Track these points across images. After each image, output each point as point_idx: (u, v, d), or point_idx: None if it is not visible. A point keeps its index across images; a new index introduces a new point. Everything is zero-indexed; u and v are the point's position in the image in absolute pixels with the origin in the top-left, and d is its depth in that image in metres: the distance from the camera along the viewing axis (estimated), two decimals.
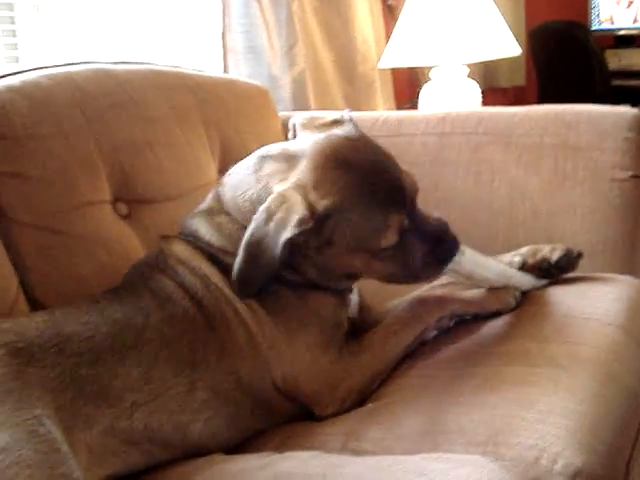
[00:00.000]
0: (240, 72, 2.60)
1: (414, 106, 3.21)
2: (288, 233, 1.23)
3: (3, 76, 1.53)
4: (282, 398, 1.31)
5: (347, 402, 1.31)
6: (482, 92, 3.10)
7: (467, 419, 1.16)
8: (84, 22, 2.33)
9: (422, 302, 1.45)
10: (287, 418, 1.33)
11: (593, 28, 5.22)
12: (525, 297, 1.49)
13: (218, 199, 1.40)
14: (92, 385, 1.16)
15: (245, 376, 1.28)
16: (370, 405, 1.29)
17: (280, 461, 1.12)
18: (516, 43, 2.96)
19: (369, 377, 1.34)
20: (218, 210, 1.39)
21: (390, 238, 1.28)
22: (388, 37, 3.09)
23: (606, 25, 5.30)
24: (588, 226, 1.75)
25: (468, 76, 3.03)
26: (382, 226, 1.28)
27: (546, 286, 1.54)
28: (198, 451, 1.24)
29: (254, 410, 1.30)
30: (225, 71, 2.63)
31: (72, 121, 1.55)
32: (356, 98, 3.00)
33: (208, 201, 1.44)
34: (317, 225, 1.25)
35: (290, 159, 1.33)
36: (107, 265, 1.51)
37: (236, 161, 1.88)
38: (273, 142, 2.05)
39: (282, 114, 2.21)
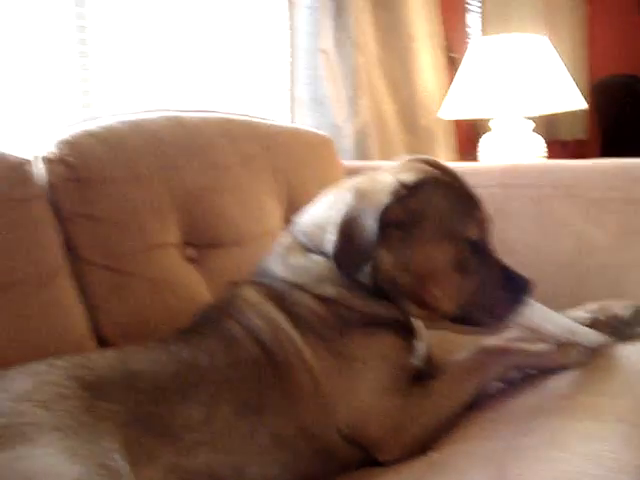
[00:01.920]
0: (305, 122, 2.64)
1: (476, 158, 3.22)
2: (385, 201, 1.27)
3: (82, 122, 1.59)
4: (344, 443, 1.30)
5: (410, 449, 1.29)
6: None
7: (534, 474, 1.13)
8: (157, 73, 2.40)
9: (486, 351, 1.43)
10: (347, 463, 1.32)
11: None
12: (592, 352, 1.47)
13: (292, 235, 1.45)
14: (157, 422, 1.17)
15: (308, 424, 1.28)
16: (434, 455, 1.28)
17: None
18: (581, 97, 2.95)
19: (434, 424, 1.32)
20: (292, 246, 1.43)
21: (474, 230, 1.33)
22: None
23: None
24: None
25: (533, 130, 3.02)
26: (467, 214, 1.33)
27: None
28: None
29: (314, 455, 1.29)
30: (292, 121, 2.67)
31: (146, 166, 1.60)
32: (418, 149, 3.02)
33: (281, 240, 1.47)
34: (409, 195, 1.29)
35: (369, 174, 1.41)
36: (173, 307, 1.54)
37: (301, 208, 1.93)
38: None
39: (346, 164, 2.24)
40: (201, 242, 1.67)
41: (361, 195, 1.31)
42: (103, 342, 1.47)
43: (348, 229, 1.30)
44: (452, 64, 3.44)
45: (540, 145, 3.01)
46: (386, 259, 1.34)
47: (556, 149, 4.31)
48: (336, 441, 1.30)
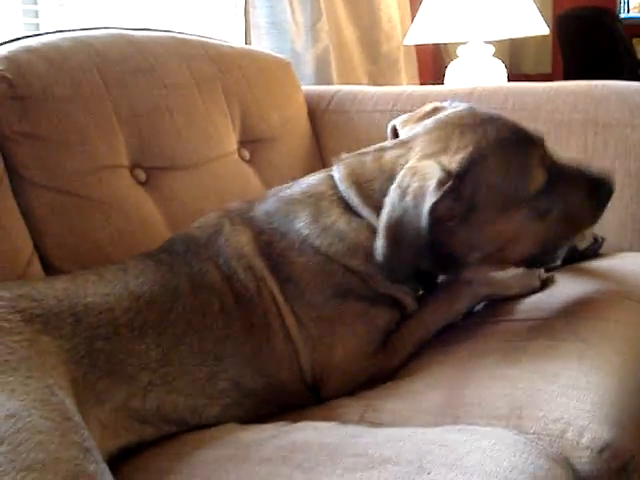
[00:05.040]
0: (263, 47, 2.56)
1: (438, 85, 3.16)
2: (431, 199, 1.15)
3: (22, 38, 1.51)
4: (305, 389, 1.27)
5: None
6: (507, 78, 3.05)
7: (488, 393, 1.12)
8: None
9: (452, 289, 1.38)
10: (303, 400, 1.27)
11: (621, 16, 5.13)
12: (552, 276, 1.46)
13: (332, 183, 1.31)
14: (107, 360, 1.10)
15: (273, 375, 1.23)
16: (389, 383, 1.26)
17: (295, 431, 1.09)
18: (544, 22, 2.90)
19: (390, 372, 1.28)
20: (329, 197, 1.29)
21: (538, 177, 1.22)
22: (413, 16, 3.04)
23: (634, 13, 5.22)
24: (617, 203, 1.70)
25: (494, 56, 2.97)
26: (525, 166, 1.22)
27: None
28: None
29: (273, 398, 1.25)
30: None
31: (90, 84, 1.52)
32: (380, 76, 2.96)
33: (315, 185, 1.33)
34: (457, 183, 1.17)
35: (406, 144, 1.29)
36: (123, 230, 1.48)
37: (256, 132, 1.87)
38: (294, 114, 2.05)
39: (305, 89, 2.18)
40: (151, 164, 1.60)
41: (403, 193, 1.17)
42: (49, 267, 1.39)
43: (395, 233, 1.18)
44: None
45: (503, 75, 2.97)
46: (449, 246, 1.24)
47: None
48: (298, 387, 1.26)
